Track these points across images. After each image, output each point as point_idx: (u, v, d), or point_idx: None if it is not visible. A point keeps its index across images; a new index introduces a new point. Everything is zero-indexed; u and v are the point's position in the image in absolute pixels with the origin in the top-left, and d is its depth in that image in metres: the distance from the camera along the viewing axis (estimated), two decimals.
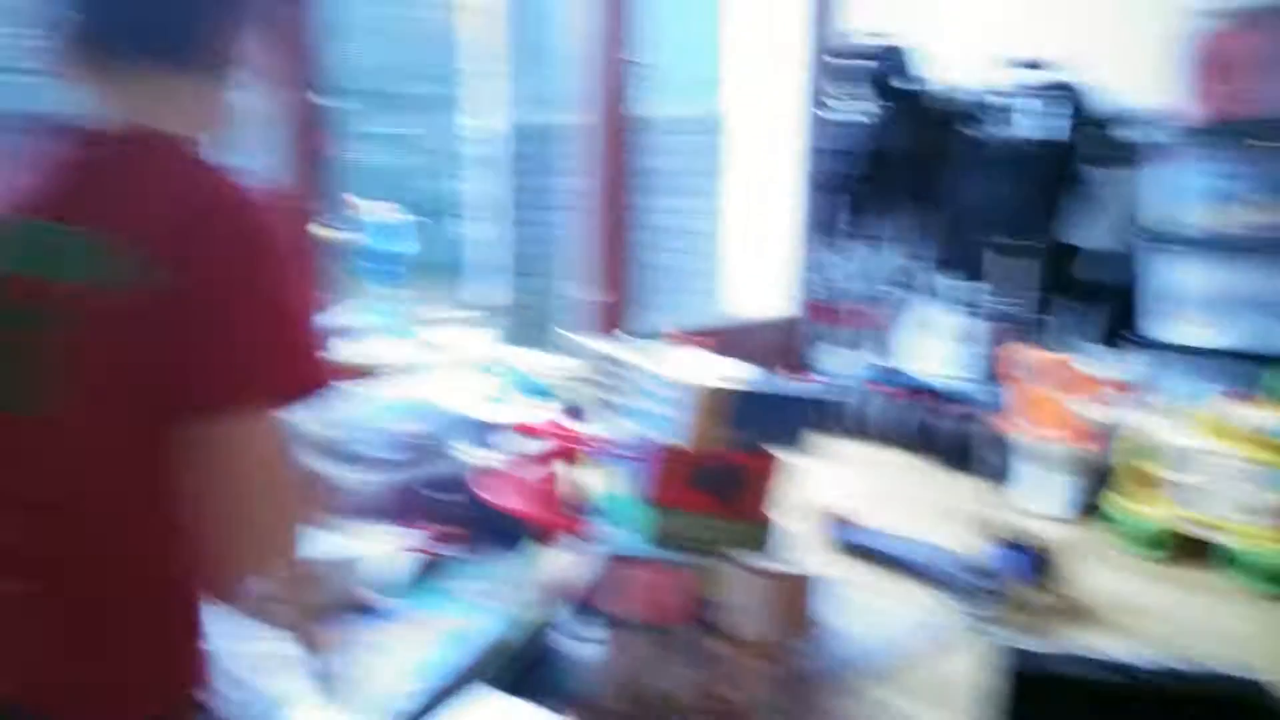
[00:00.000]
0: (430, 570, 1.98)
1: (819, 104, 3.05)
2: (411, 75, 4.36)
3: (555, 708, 1.35)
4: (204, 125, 0.77)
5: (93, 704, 0.74)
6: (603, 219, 2.95)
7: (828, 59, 3.07)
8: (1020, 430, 2.39)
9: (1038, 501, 2.41)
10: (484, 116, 4.34)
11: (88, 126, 0.74)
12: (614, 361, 1.63)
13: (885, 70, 2.88)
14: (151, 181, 0.71)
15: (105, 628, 0.74)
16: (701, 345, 2.14)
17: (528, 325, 4.35)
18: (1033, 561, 1.95)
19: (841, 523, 2.21)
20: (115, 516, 0.72)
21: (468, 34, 4.24)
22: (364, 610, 1.79)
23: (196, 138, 0.75)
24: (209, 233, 0.70)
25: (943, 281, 2.88)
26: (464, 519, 2.14)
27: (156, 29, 0.73)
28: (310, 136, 2.29)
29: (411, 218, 2.78)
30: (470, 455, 2.14)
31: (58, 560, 0.72)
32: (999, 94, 2.73)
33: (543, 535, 2.01)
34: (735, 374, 1.65)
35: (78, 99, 0.75)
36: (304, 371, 0.73)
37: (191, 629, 0.79)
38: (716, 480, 1.53)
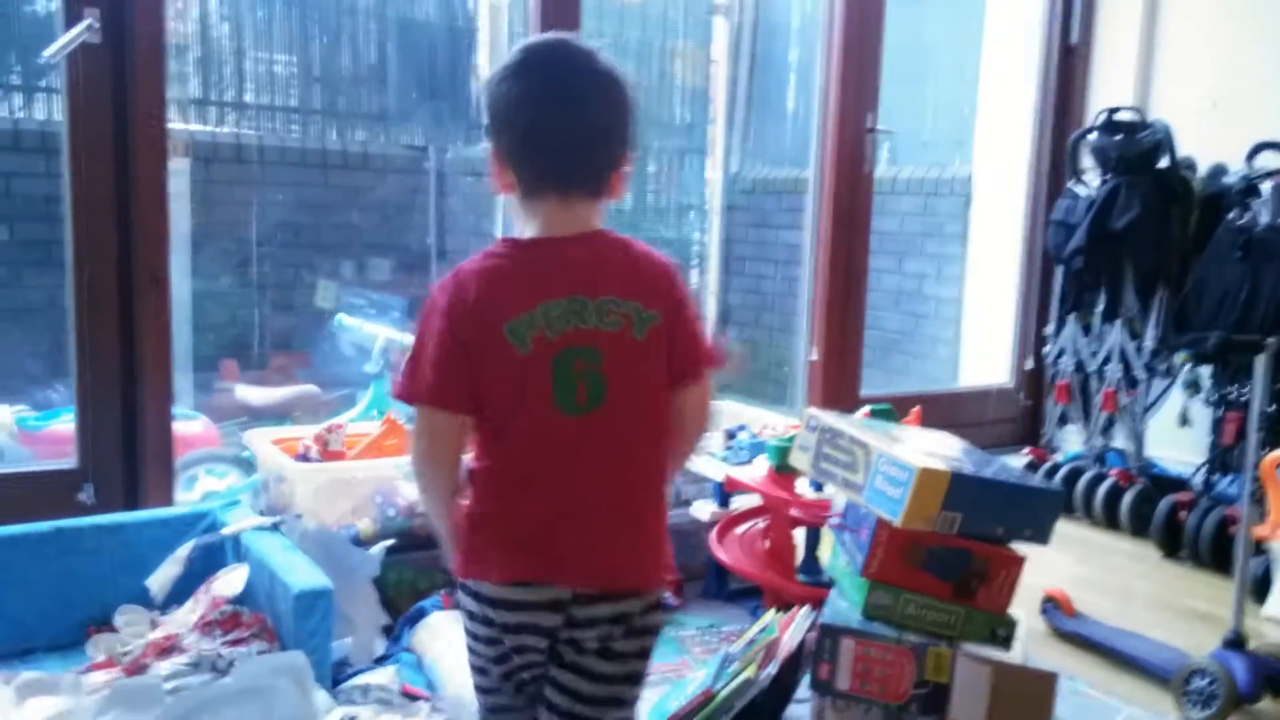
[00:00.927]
0: None
1: (1072, 176, 2.97)
2: (652, 125, 4.53)
3: None
4: (602, 221, 1.20)
5: (652, 573, 1.19)
6: (831, 278, 2.99)
7: (1079, 132, 3.00)
8: (1271, 533, 2.24)
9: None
10: (715, 168, 4.46)
11: (570, 233, 1.16)
12: (839, 432, 1.65)
13: (1135, 146, 2.78)
14: (631, 259, 1.18)
15: (658, 522, 1.20)
16: (931, 412, 2.14)
17: (746, 377, 4.42)
18: (1269, 669, 1.82)
19: (1061, 609, 2.14)
20: (648, 447, 1.18)
21: (709, 87, 4.38)
22: None
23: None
24: (670, 283, 1.18)
25: (1187, 368, 2.74)
26: (687, 570, 2.23)
27: (591, 179, 1.17)
28: None
29: None
30: (698, 508, 2.23)
31: (635, 480, 1.17)
32: (1251, 176, 2.60)
33: (765, 594, 2.07)
34: (962, 455, 1.65)
35: (530, 218, 1.18)
36: (715, 349, 1.22)
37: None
38: (945, 564, 1.53)
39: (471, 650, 1.20)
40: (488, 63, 3.72)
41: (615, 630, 1.15)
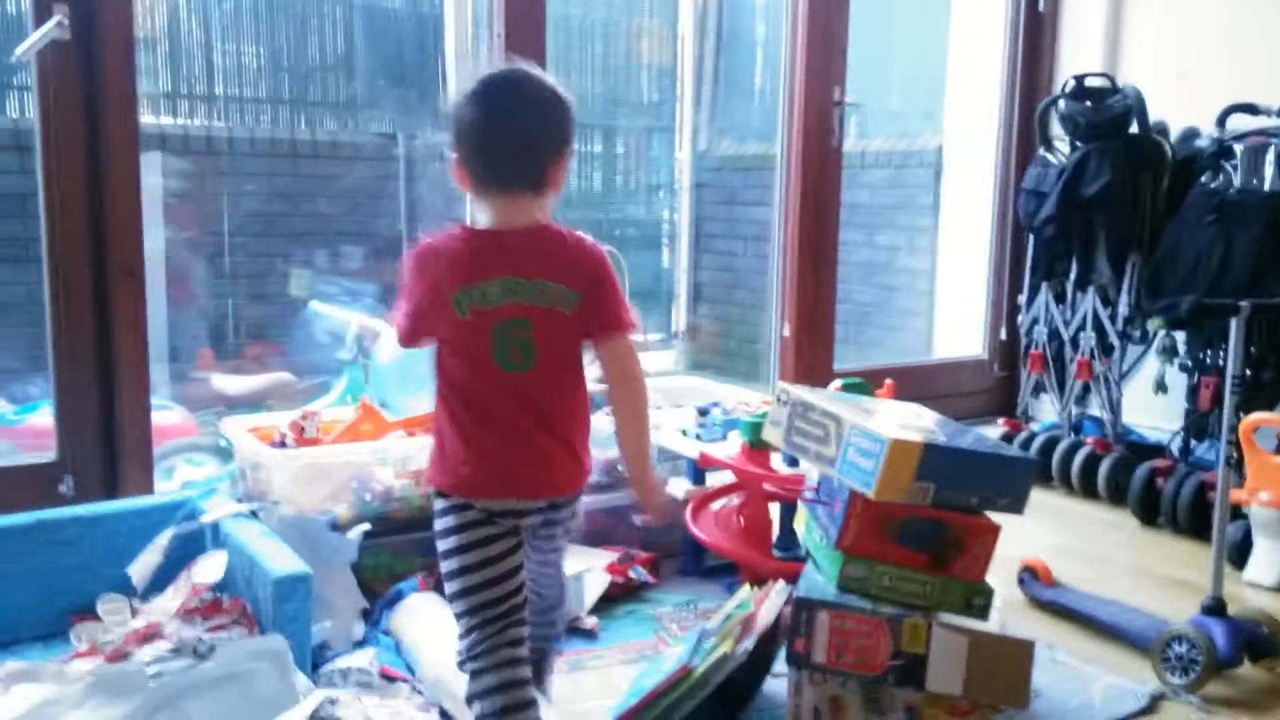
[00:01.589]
0: (627, 594, 2.09)
1: (1043, 143, 2.98)
2: (619, 105, 4.53)
3: None
4: (547, 215, 1.47)
5: (578, 483, 1.50)
6: (801, 253, 2.99)
7: (1048, 100, 3.01)
8: (1249, 497, 2.25)
9: (1261, 572, 2.27)
10: (683, 146, 4.46)
11: (516, 226, 1.44)
12: (810, 406, 1.66)
13: (1105, 112, 2.79)
14: (563, 250, 1.45)
15: (585, 447, 1.50)
16: (905, 385, 2.15)
17: (719, 355, 4.44)
18: (1249, 634, 1.85)
19: (1039, 578, 2.16)
20: (571, 395, 1.48)
21: (676, 66, 4.37)
22: (573, 628, 1.92)
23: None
24: (594, 268, 1.46)
25: (1161, 333, 2.76)
26: (662, 547, 2.25)
27: (529, 178, 1.44)
28: None
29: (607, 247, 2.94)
30: (674, 486, 2.24)
31: (560, 420, 1.46)
32: (1223, 140, 2.61)
33: (741, 570, 2.08)
34: (935, 426, 1.66)
35: (484, 210, 1.46)
36: (631, 317, 1.49)
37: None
38: (920, 535, 1.54)
39: (450, 555, 1.43)
40: (454, 49, 3.72)
41: (553, 519, 1.50)
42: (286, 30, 3.84)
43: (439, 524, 1.44)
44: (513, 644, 1.41)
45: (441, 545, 1.43)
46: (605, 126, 4.43)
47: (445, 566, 1.43)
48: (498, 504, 1.43)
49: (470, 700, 1.40)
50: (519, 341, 1.41)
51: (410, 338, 1.48)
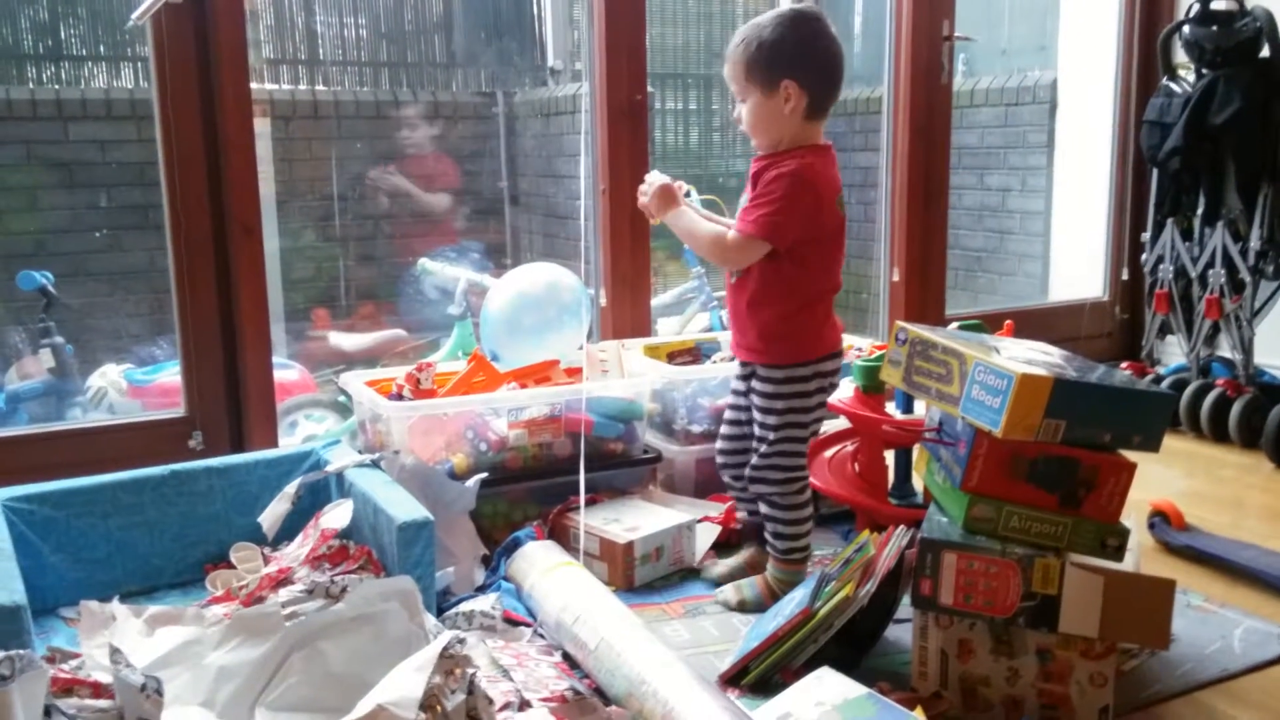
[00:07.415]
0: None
1: (1166, 72, 2.84)
2: (717, 55, 4.47)
3: (864, 682, 1.39)
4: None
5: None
6: (910, 195, 2.91)
7: (1170, 26, 2.85)
8: None
9: None
10: None
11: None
12: (931, 344, 1.62)
13: (1233, 37, 2.63)
14: None
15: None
16: (1021, 330, 2.09)
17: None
18: None
19: (1170, 522, 2.08)
20: None
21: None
22: (687, 573, 1.92)
23: None
24: None
25: None
26: None
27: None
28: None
29: (706, 196, 2.92)
30: None
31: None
32: None
33: (858, 516, 2.05)
34: (1064, 362, 1.61)
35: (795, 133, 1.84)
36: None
37: None
38: (1049, 474, 1.49)
39: (799, 415, 1.81)
40: (550, 3, 3.71)
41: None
42: None
43: None
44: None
45: None
46: (703, 77, 4.37)
47: None
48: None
49: None
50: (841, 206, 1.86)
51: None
